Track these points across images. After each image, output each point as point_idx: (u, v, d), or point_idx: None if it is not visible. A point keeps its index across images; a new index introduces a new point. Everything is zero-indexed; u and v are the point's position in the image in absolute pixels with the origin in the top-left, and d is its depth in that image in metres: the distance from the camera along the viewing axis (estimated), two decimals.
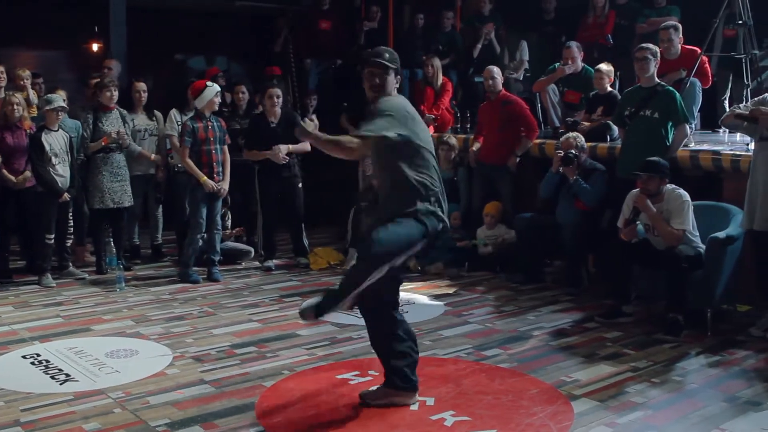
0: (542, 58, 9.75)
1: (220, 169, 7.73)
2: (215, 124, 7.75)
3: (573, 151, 7.33)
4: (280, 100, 8.20)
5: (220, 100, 7.89)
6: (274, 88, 8.25)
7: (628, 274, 6.38)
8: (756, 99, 6.30)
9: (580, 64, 8.75)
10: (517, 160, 8.33)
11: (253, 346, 5.77)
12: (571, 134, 7.60)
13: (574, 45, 8.77)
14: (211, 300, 7.09)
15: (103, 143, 7.76)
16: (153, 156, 8.40)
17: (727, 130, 8.03)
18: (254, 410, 4.58)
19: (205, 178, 7.61)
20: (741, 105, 6.26)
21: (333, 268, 8.29)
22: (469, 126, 9.44)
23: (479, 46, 10.61)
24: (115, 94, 7.99)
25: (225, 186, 7.79)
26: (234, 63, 12.96)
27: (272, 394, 4.83)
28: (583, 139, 7.54)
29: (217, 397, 4.76)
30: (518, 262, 7.82)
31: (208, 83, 7.78)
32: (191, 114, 7.97)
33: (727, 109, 7.80)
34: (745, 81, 7.84)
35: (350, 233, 8.59)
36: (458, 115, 9.84)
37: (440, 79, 9.71)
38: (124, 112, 8.14)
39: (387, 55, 4.45)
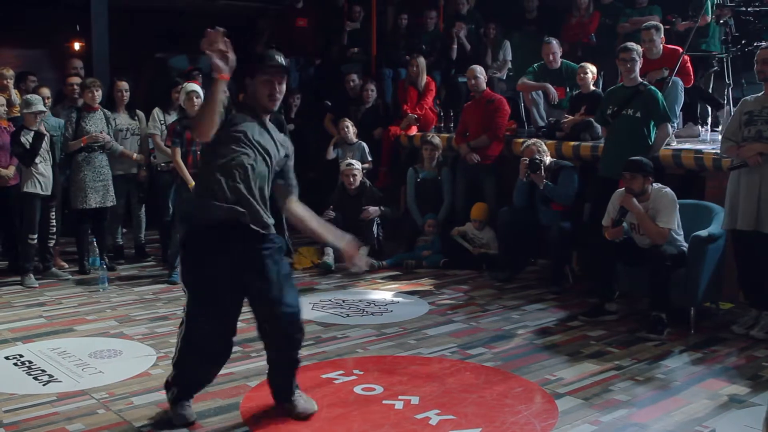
0: (526, 58, 9.76)
1: None
2: None
3: (537, 157, 7.39)
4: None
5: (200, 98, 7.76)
6: None
7: (612, 273, 6.41)
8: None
9: (559, 60, 8.77)
10: (474, 156, 8.37)
11: (237, 346, 5.69)
12: (529, 141, 7.68)
13: (553, 41, 8.79)
14: None
15: (82, 143, 7.71)
16: (135, 155, 8.36)
17: (708, 128, 8.10)
18: (239, 410, 4.58)
19: (194, 183, 7.57)
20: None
21: (317, 267, 8.26)
22: (452, 125, 9.45)
23: (454, 46, 10.64)
24: (98, 94, 7.90)
25: None
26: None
27: (257, 394, 4.82)
28: (543, 143, 7.60)
29: (202, 398, 4.73)
30: (501, 260, 7.84)
31: (185, 84, 7.69)
32: (174, 113, 7.91)
33: (709, 110, 7.92)
34: (726, 81, 7.90)
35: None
36: (441, 114, 9.84)
37: (424, 78, 9.72)
38: (109, 113, 8.07)
39: None
